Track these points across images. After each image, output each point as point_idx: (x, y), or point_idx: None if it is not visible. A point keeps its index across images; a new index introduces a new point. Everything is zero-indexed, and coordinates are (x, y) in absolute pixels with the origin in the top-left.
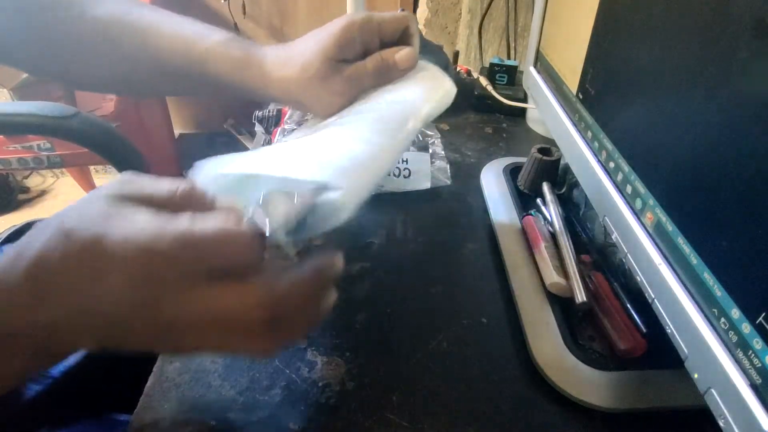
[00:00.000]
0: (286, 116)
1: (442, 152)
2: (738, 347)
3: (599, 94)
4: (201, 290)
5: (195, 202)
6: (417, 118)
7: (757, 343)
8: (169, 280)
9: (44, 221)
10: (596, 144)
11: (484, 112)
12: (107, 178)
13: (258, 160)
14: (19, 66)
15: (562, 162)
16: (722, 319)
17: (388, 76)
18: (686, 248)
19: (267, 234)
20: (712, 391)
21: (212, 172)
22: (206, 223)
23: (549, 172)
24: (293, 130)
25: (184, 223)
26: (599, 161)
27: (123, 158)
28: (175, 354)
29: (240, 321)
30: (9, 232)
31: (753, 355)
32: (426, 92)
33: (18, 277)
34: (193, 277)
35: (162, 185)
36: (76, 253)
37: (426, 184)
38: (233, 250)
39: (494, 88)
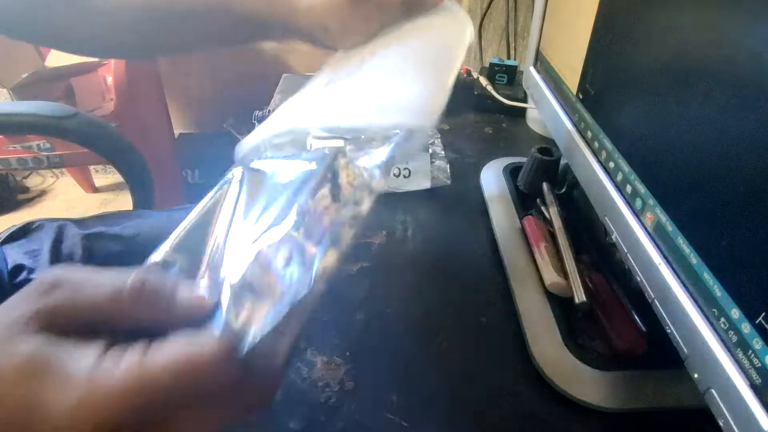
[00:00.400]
0: None
1: (442, 152)
2: (738, 347)
3: (599, 94)
4: (172, 425)
5: (149, 304)
6: (454, 66)
7: (757, 343)
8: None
9: None
10: (596, 144)
11: (484, 112)
12: (107, 178)
13: (321, 111)
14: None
15: (562, 162)
16: (722, 319)
17: (418, 7)
18: (686, 248)
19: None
20: (712, 391)
21: (264, 135)
22: (159, 362)
23: (549, 172)
24: None
25: (129, 368)
26: (599, 161)
27: (123, 158)
28: None
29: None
30: (9, 232)
31: (753, 355)
32: (456, 37)
33: None
34: (162, 420)
35: (102, 289)
36: (13, 423)
37: (426, 184)
38: (202, 384)
39: (494, 88)
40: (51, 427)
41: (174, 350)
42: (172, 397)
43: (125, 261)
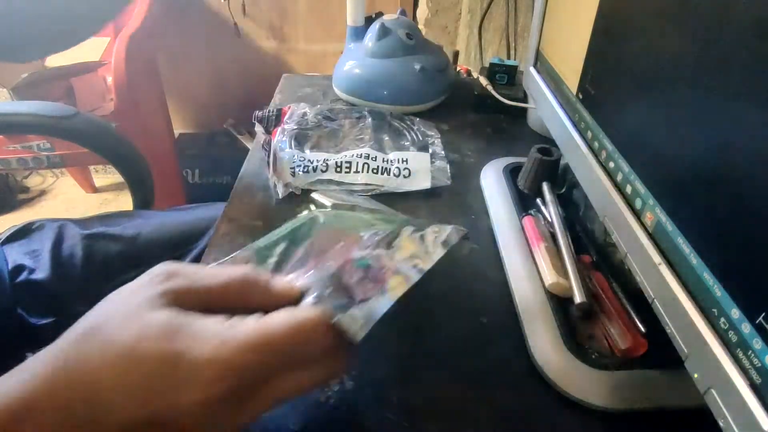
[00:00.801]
0: (286, 116)
1: (442, 152)
2: (738, 347)
3: (599, 94)
4: (276, 384)
5: (250, 291)
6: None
7: (757, 343)
8: (246, 393)
9: (84, 330)
10: (596, 144)
11: (484, 112)
12: (107, 178)
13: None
14: None
15: (562, 162)
16: (722, 319)
17: None
18: (686, 248)
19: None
20: (712, 391)
21: None
22: (276, 323)
23: (549, 172)
24: (293, 130)
25: (253, 327)
26: (599, 161)
27: (123, 158)
28: None
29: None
30: (9, 232)
31: (753, 354)
32: None
33: (73, 400)
34: (270, 377)
35: (215, 279)
36: (147, 371)
37: (426, 184)
38: (309, 344)
39: (494, 88)
40: (192, 373)
41: (286, 315)
42: (285, 353)
43: (125, 261)
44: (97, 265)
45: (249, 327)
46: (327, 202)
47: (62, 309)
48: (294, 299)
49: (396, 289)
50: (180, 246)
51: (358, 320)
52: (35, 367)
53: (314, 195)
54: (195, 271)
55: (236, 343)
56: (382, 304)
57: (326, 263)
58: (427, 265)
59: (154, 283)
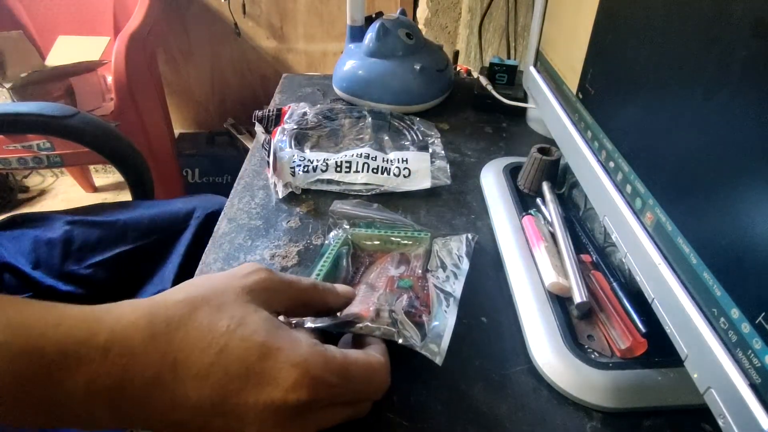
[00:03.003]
0: (286, 116)
1: (442, 152)
2: (737, 347)
3: (599, 94)
4: (327, 411)
5: (322, 293)
6: None
7: (757, 343)
8: (308, 412)
9: (186, 305)
10: (596, 144)
11: (484, 111)
12: (107, 178)
13: None
14: None
15: (562, 162)
16: (722, 319)
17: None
18: (686, 248)
19: None
20: (712, 390)
21: None
22: (358, 360)
23: (549, 171)
24: (293, 129)
25: (339, 351)
26: (599, 161)
27: (123, 157)
28: None
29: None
30: None
31: (752, 354)
32: None
33: (164, 365)
34: (329, 405)
35: (296, 284)
36: (240, 357)
37: (426, 184)
38: (375, 386)
39: (494, 87)
40: (281, 372)
41: (363, 353)
42: (353, 384)
43: (102, 243)
44: (76, 247)
45: (335, 350)
46: (345, 217)
47: (38, 285)
48: (350, 300)
49: (449, 308)
50: (160, 231)
51: (435, 350)
52: (135, 316)
53: (334, 208)
54: (276, 274)
55: (324, 358)
56: (448, 326)
57: (372, 284)
58: (462, 278)
59: (237, 278)
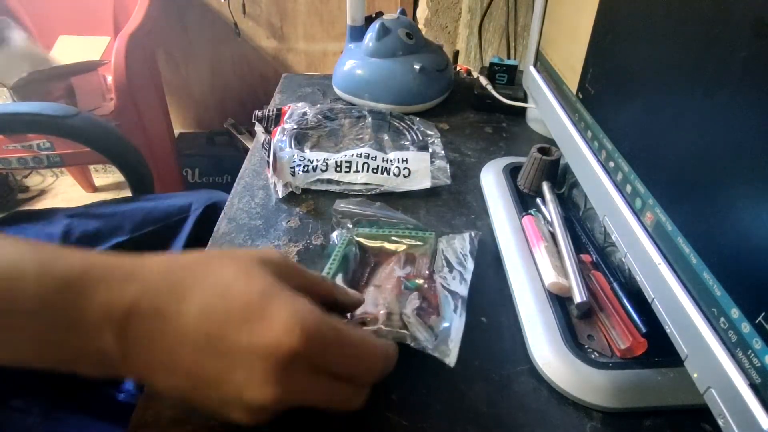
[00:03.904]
0: (286, 116)
1: (442, 152)
2: (737, 347)
3: (599, 94)
4: (317, 381)
5: (336, 291)
6: None
7: (757, 343)
8: (296, 369)
9: (192, 259)
10: (596, 144)
11: (484, 111)
12: (107, 178)
13: None
14: None
15: (562, 162)
16: (722, 319)
17: None
18: (686, 248)
19: None
20: (712, 390)
21: None
22: (358, 331)
23: (549, 171)
24: (293, 129)
25: (340, 321)
26: (599, 161)
27: (123, 157)
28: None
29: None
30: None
31: (752, 354)
32: None
33: (168, 303)
34: (320, 371)
35: (312, 276)
36: (237, 298)
37: (426, 184)
38: (373, 362)
39: (494, 87)
40: (274, 318)
41: (366, 331)
42: (349, 351)
43: (100, 235)
44: (74, 239)
45: (332, 318)
46: (348, 216)
47: None
48: (359, 303)
49: (458, 308)
50: (156, 221)
51: (447, 352)
52: (158, 259)
53: (337, 207)
54: (301, 269)
55: (320, 316)
56: (457, 327)
57: (380, 285)
58: (469, 277)
59: (262, 252)
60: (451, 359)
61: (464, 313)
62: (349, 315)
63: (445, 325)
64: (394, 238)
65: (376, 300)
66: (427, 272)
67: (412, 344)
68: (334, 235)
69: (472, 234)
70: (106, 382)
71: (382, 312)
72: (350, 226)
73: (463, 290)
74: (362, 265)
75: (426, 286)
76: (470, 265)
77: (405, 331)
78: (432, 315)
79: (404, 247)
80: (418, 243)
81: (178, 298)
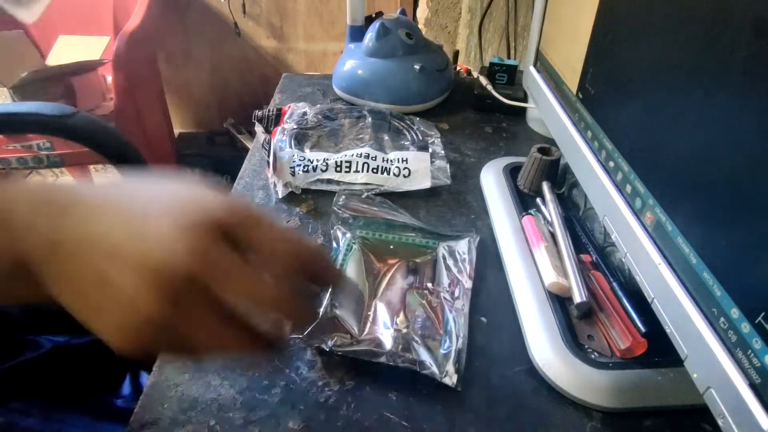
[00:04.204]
0: (286, 115)
1: (442, 152)
2: (737, 347)
3: (599, 94)
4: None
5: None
6: None
7: (757, 343)
8: (198, 288)
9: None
10: (596, 144)
11: (484, 111)
12: (107, 178)
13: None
14: None
15: (562, 162)
16: (722, 319)
17: None
18: (686, 248)
19: None
20: (712, 390)
21: None
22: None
23: (549, 171)
24: (293, 129)
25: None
26: (599, 161)
27: (123, 157)
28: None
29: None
30: None
31: (752, 354)
32: None
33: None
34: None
35: (300, 238)
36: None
37: (426, 184)
38: (290, 252)
39: (494, 87)
40: (205, 192)
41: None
42: (259, 228)
43: None
44: None
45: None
46: (353, 211)
47: None
48: (334, 279)
49: (460, 321)
50: None
51: (453, 375)
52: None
53: (336, 207)
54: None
55: (245, 200)
56: (461, 345)
57: (386, 300)
58: (469, 285)
59: (212, 217)
60: (451, 381)
61: (467, 331)
62: (357, 336)
63: (448, 345)
64: (396, 248)
65: (384, 320)
66: (430, 285)
67: (424, 372)
68: (338, 236)
69: (471, 239)
70: (104, 387)
71: (391, 337)
72: (351, 222)
73: (464, 306)
74: (369, 275)
75: (429, 300)
76: (471, 272)
77: (414, 358)
78: (436, 335)
79: (407, 254)
80: (420, 252)
81: (101, 220)
